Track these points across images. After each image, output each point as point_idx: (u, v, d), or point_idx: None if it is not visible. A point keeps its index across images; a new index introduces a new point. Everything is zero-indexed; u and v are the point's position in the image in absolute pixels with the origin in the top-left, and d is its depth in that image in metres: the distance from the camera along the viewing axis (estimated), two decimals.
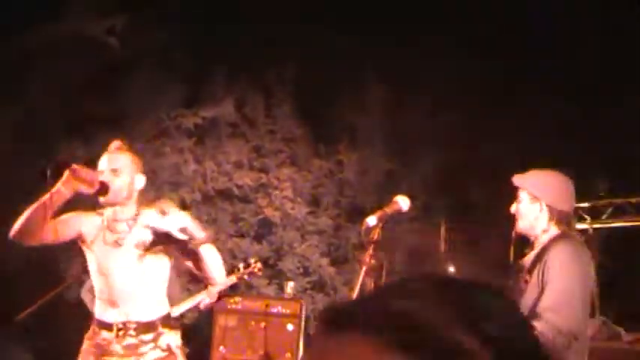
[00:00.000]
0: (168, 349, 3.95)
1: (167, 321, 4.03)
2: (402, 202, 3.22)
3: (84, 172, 3.77)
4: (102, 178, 3.81)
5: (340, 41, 9.39)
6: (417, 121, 10.04)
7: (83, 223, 3.97)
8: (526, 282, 3.36)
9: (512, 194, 3.67)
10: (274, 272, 9.54)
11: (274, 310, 6.86)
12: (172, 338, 4.02)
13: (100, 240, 3.93)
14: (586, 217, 9.04)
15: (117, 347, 3.89)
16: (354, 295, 2.92)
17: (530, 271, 3.37)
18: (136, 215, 3.94)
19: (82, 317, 4.34)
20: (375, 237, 3.06)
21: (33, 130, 7.94)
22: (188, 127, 9.23)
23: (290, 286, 7.41)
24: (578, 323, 3.20)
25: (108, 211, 3.97)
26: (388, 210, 3.20)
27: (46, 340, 7.59)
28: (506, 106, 9.35)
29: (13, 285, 7.57)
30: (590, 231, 9.01)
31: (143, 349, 3.91)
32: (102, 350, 3.90)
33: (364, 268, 2.97)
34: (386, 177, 10.03)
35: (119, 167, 3.87)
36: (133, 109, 8.69)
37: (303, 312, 6.97)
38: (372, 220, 3.11)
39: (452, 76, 9.43)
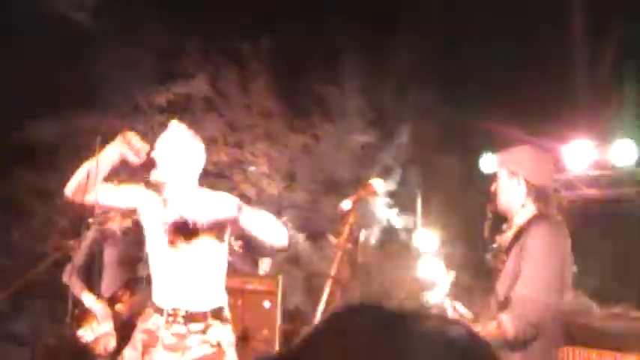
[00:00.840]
0: (218, 345, 3.86)
1: (219, 314, 3.93)
2: (377, 185, 3.21)
3: (134, 140, 3.77)
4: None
5: (315, 15, 9.33)
6: (391, 95, 10.04)
7: (145, 196, 3.92)
8: (502, 262, 3.36)
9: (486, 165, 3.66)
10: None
11: (250, 287, 6.84)
12: (224, 333, 3.93)
13: (157, 219, 3.90)
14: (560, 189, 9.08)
15: (165, 334, 3.83)
16: (333, 273, 2.90)
17: (507, 252, 3.36)
18: (188, 195, 3.87)
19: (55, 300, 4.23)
20: (351, 220, 3.05)
21: (3, 107, 7.84)
22: (160, 103, 9.16)
23: (265, 262, 7.39)
24: (549, 313, 3.21)
25: (164, 190, 3.90)
26: (363, 193, 3.18)
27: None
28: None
29: None
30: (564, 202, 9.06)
31: (190, 340, 3.82)
32: (151, 336, 3.84)
33: (339, 253, 2.96)
34: (361, 151, 10.03)
35: (181, 149, 3.90)
36: (105, 86, 8.59)
37: (280, 289, 6.95)
38: (346, 205, 3.09)
39: (425, 49, 9.42)
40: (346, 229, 3.01)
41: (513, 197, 3.47)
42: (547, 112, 8.38)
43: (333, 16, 9.36)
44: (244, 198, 9.59)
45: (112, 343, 5.30)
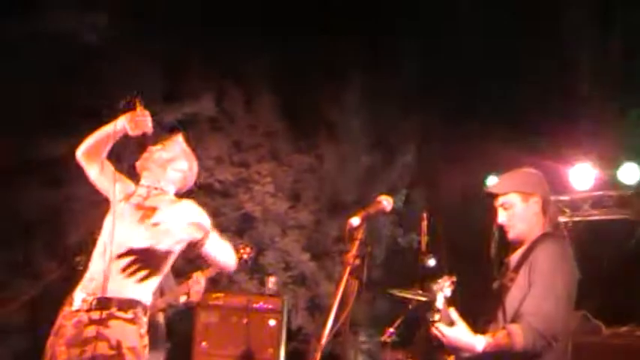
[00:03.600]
0: (118, 347, 3.45)
1: (129, 307, 3.54)
2: (385, 202, 3.22)
3: (143, 114, 3.78)
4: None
5: (320, 36, 9.39)
6: (396, 115, 10.09)
7: (117, 187, 3.83)
8: (512, 280, 3.37)
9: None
10: (256, 267, 9.54)
11: (256, 306, 6.87)
12: (126, 332, 3.52)
13: (127, 201, 3.80)
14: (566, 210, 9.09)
15: (69, 327, 3.49)
16: (339, 293, 2.91)
17: (516, 270, 3.38)
18: (167, 198, 3.87)
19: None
20: (359, 237, 3.06)
21: (12, 122, 7.88)
22: (169, 122, 9.20)
23: (271, 282, 7.42)
24: (559, 325, 3.23)
25: (142, 189, 3.87)
26: (371, 210, 3.19)
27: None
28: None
29: None
30: (570, 224, 9.06)
31: (87, 333, 3.44)
32: (58, 334, 3.53)
33: (348, 268, 2.98)
34: (366, 172, 10.06)
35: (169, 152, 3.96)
36: (114, 103, 8.63)
37: (285, 308, 6.98)
38: (355, 221, 3.10)
39: (430, 69, 9.48)
40: (355, 245, 3.03)
41: (533, 220, 3.45)
42: (552, 134, 8.40)
43: (338, 38, 9.42)
44: (250, 217, 9.68)
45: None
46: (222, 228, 8.97)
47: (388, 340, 6.60)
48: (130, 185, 3.91)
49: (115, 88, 8.44)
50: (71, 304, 3.57)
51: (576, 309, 3.53)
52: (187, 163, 4.04)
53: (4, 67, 7.80)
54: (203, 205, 10.01)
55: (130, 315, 3.53)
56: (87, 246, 5.87)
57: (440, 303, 3.32)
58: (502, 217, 3.50)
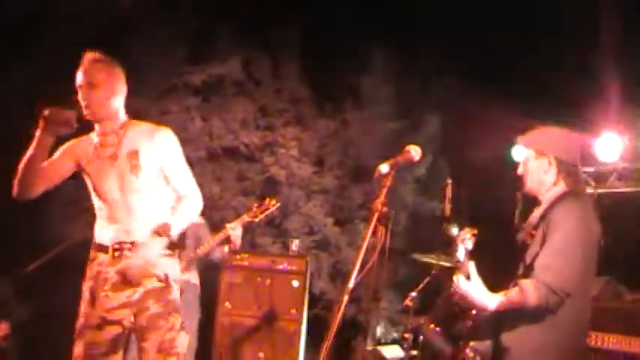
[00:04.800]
0: (166, 279, 3.79)
1: (168, 247, 3.84)
2: (414, 152, 3.26)
3: (57, 114, 3.64)
4: (79, 96, 3.72)
5: (346, 6, 9.36)
6: (421, 82, 10.05)
7: (76, 147, 3.86)
8: (531, 236, 3.41)
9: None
10: (279, 231, 9.59)
11: (280, 267, 6.91)
12: (171, 267, 3.85)
13: (96, 157, 3.82)
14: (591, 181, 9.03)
15: (111, 273, 3.71)
16: (367, 238, 2.95)
17: (535, 228, 3.42)
18: (124, 126, 3.85)
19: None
20: (387, 184, 3.10)
21: (40, 91, 7.93)
22: (195, 84, 9.23)
23: (295, 244, 7.46)
24: (572, 282, 3.25)
25: (97, 128, 3.86)
26: (400, 159, 3.24)
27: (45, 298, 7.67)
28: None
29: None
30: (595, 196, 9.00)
31: (135, 273, 3.73)
32: (97, 282, 3.73)
33: (376, 214, 3.01)
34: (391, 138, 10.04)
35: (95, 82, 3.71)
36: (139, 67, 8.66)
37: (309, 269, 7.02)
38: (384, 168, 3.15)
39: (455, 36, 9.41)
40: (383, 192, 3.06)
41: (544, 177, 3.52)
42: (577, 103, 8.34)
43: (366, 3, 9.38)
44: (274, 181, 9.71)
45: None
46: (246, 191, 9.07)
47: (410, 304, 6.64)
48: (85, 142, 3.91)
49: (143, 50, 8.48)
50: (105, 252, 3.74)
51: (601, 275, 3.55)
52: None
53: (30, 37, 7.85)
54: (228, 168, 10.11)
55: (169, 251, 3.84)
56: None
57: (461, 255, 3.36)
58: (520, 168, 3.64)
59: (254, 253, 7.49)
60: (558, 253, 3.25)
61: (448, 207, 7.10)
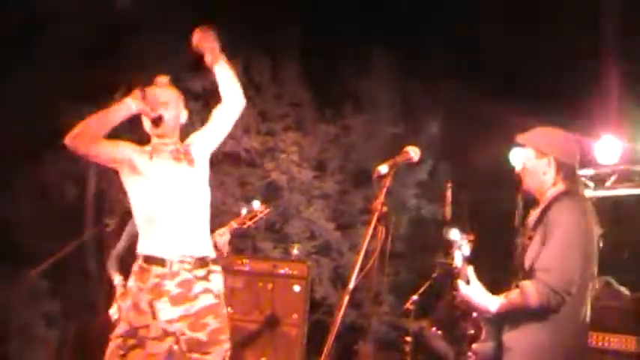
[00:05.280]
0: (218, 295, 3.94)
1: (216, 260, 4.02)
2: (413, 152, 3.31)
3: (151, 95, 3.90)
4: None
5: (347, 5, 9.38)
6: (421, 87, 10.08)
7: (134, 150, 3.99)
8: (530, 238, 3.42)
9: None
10: (281, 236, 9.60)
11: (281, 272, 6.91)
12: (221, 283, 4.01)
13: (157, 158, 3.97)
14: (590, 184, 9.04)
15: (170, 286, 3.83)
16: (367, 238, 2.97)
17: (534, 228, 3.44)
18: (177, 145, 4.06)
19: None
20: (387, 184, 3.13)
21: (41, 94, 7.96)
22: (195, 90, 9.25)
23: (296, 249, 7.47)
24: (572, 281, 3.26)
25: (153, 142, 4.04)
26: (399, 159, 3.28)
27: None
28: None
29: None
30: (594, 199, 9.01)
31: (196, 289, 3.86)
32: (155, 294, 3.82)
33: (376, 214, 3.04)
34: (391, 142, 10.06)
35: (169, 101, 4.02)
36: (140, 72, 8.69)
37: (310, 273, 7.02)
38: (383, 168, 3.19)
39: (455, 40, 9.45)
40: (382, 193, 3.09)
41: (543, 177, 3.54)
42: (577, 106, 8.37)
43: (366, 8, 9.41)
44: (275, 186, 9.72)
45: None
46: (248, 196, 9.09)
47: (411, 307, 6.65)
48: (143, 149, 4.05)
49: (143, 54, 8.50)
50: (163, 265, 3.85)
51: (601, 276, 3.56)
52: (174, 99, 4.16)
53: (32, 40, 7.88)
54: (229, 173, 10.11)
55: (219, 267, 4.00)
56: (115, 210, 5.99)
57: (458, 261, 3.38)
58: (518, 167, 3.67)
59: (255, 257, 7.50)
60: (558, 253, 3.26)
61: (448, 210, 7.12)
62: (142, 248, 3.92)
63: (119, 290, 5.66)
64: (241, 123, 9.54)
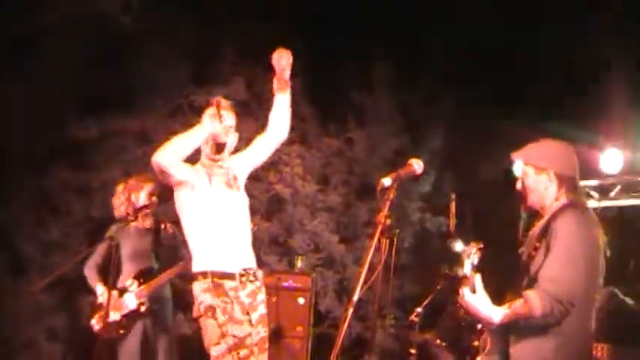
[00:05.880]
0: (268, 305, 4.25)
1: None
2: (416, 165, 3.35)
3: (222, 104, 4.19)
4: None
5: (349, 20, 9.41)
6: (425, 97, 10.10)
7: (197, 173, 4.18)
8: (535, 249, 3.42)
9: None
10: (285, 249, 9.60)
11: (285, 285, 6.95)
12: (264, 294, 4.26)
13: (215, 183, 4.15)
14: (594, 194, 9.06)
15: (242, 296, 4.05)
16: (370, 251, 2.99)
17: (539, 239, 3.43)
18: (228, 170, 4.27)
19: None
20: (390, 197, 3.16)
21: (44, 108, 7.98)
22: (200, 104, 9.27)
23: (301, 261, 7.48)
24: (576, 291, 3.26)
25: (206, 163, 4.23)
26: (402, 172, 3.31)
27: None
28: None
29: None
30: (599, 209, 9.02)
31: (259, 298, 4.12)
32: (234, 306, 4.03)
33: (379, 227, 3.06)
34: (395, 155, 10.07)
35: (233, 125, 4.32)
36: (145, 88, 8.73)
37: (314, 286, 7.04)
38: (387, 181, 3.22)
39: (457, 51, 9.47)
40: (386, 205, 3.12)
41: (545, 192, 3.52)
42: (581, 117, 8.37)
43: (366, 23, 9.44)
44: (279, 199, 9.72)
45: (120, 331, 5.54)
46: (252, 210, 9.08)
47: (416, 319, 6.65)
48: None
49: (148, 70, 8.53)
50: (232, 279, 4.07)
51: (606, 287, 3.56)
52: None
53: (36, 53, 7.91)
54: None
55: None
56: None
57: (467, 269, 3.39)
58: (518, 184, 3.65)
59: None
60: (562, 263, 3.26)
61: (453, 222, 7.14)
62: (207, 265, 4.07)
63: (101, 300, 5.71)
64: (245, 137, 9.56)
